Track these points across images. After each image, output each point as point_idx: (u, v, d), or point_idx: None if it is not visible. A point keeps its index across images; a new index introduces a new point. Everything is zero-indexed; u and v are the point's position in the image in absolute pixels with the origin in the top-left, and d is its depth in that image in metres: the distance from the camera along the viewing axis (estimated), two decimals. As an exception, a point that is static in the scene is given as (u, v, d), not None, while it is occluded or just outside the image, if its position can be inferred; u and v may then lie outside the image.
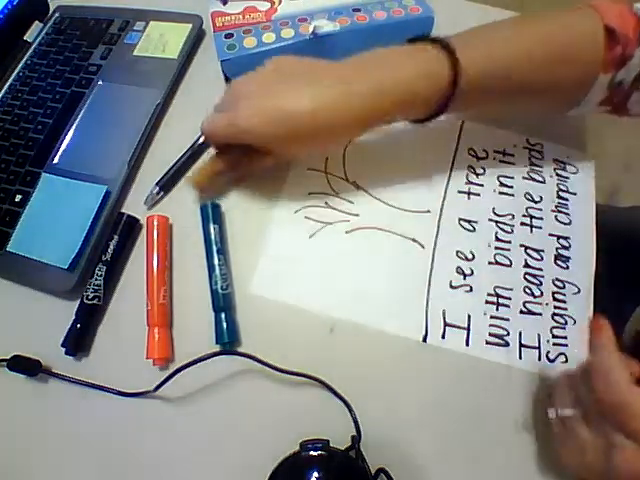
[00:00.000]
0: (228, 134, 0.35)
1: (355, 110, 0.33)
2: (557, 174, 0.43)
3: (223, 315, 0.36)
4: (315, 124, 0.32)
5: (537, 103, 0.39)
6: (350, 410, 0.34)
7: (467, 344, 0.36)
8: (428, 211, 0.41)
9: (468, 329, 0.37)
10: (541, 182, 0.43)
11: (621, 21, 0.34)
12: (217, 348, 0.35)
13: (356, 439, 0.32)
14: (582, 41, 0.35)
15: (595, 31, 0.34)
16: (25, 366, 0.36)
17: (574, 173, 0.43)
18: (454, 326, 0.37)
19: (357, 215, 0.41)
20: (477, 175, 0.43)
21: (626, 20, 0.34)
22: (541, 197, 0.42)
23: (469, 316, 0.37)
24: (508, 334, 0.36)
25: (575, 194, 0.42)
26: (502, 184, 0.42)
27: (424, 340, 0.36)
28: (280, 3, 0.45)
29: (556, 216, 0.41)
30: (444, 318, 0.37)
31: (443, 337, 0.37)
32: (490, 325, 0.37)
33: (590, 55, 0.35)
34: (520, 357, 0.36)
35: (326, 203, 0.41)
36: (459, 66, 0.32)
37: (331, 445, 0.32)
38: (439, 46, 0.33)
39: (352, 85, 0.33)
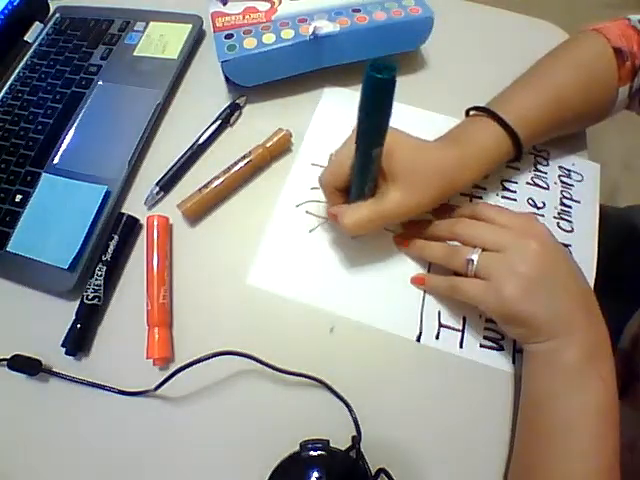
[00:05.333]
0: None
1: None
2: (562, 181, 0.43)
3: None
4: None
5: (576, 128, 0.43)
6: (350, 410, 0.34)
7: (461, 346, 0.36)
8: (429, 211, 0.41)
9: (462, 331, 0.37)
10: (545, 188, 0.42)
11: (625, 39, 0.39)
12: (217, 348, 0.35)
13: (356, 439, 0.32)
14: (598, 69, 0.39)
15: (606, 56, 0.39)
16: (25, 365, 0.36)
17: (579, 181, 0.43)
18: (449, 327, 0.37)
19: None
20: None
21: (628, 37, 0.39)
22: (544, 203, 0.41)
23: (464, 318, 0.37)
24: (503, 338, 0.36)
25: (579, 202, 0.42)
26: (505, 188, 0.42)
27: (418, 340, 0.36)
28: (280, 3, 0.45)
29: (558, 223, 0.41)
30: (439, 319, 0.37)
31: (437, 338, 0.36)
32: (485, 329, 0.37)
33: (608, 77, 0.39)
34: (514, 362, 0.36)
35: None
36: (517, 137, 0.37)
37: (331, 445, 0.32)
38: (498, 124, 0.37)
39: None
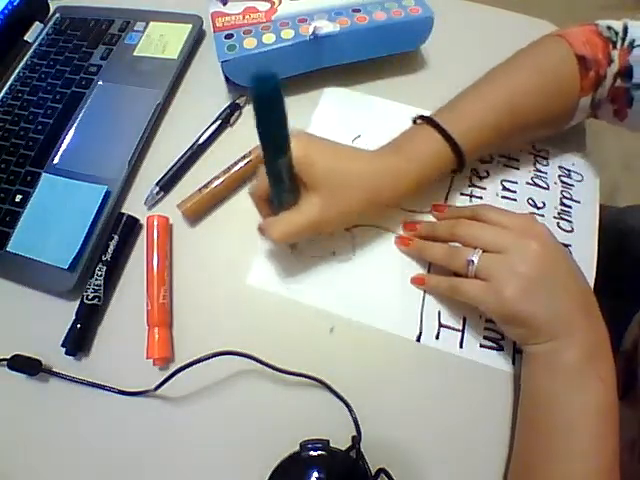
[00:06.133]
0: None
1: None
2: (562, 181, 0.43)
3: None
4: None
5: (531, 136, 0.42)
6: (350, 410, 0.34)
7: (461, 346, 0.36)
8: (429, 212, 0.41)
9: (463, 331, 0.37)
10: (545, 188, 0.42)
11: (589, 47, 0.37)
12: (217, 348, 0.35)
13: (356, 439, 0.32)
14: (559, 76, 0.38)
15: (569, 63, 0.37)
16: (25, 365, 0.36)
17: (579, 181, 0.43)
18: (449, 327, 0.37)
19: (357, 213, 0.41)
20: (480, 178, 0.43)
21: (593, 44, 0.37)
22: (544, 203, 0.41)
23: (464, 318, 0.37)
24: (503, 338, 0.36)
25: (579, 202, 0.42)
26: (505, 188, 0.42)
27: (418, 340, 0.36)
28: (280, 3, 0.45)
29: (558, 223, 0.41)
30: (439, 319, 0.37)
31: (437, 338, 0.36)
32: (485, 329, 0.37)
33: (569, 86, 0.38)
34: (514, 362, 0.36)
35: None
36: (458, 146, 0.36)
37: (331, 445, 0.32)
38: (440, 135, 0.36)
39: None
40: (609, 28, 0.38)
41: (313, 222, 0.33)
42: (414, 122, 0.39)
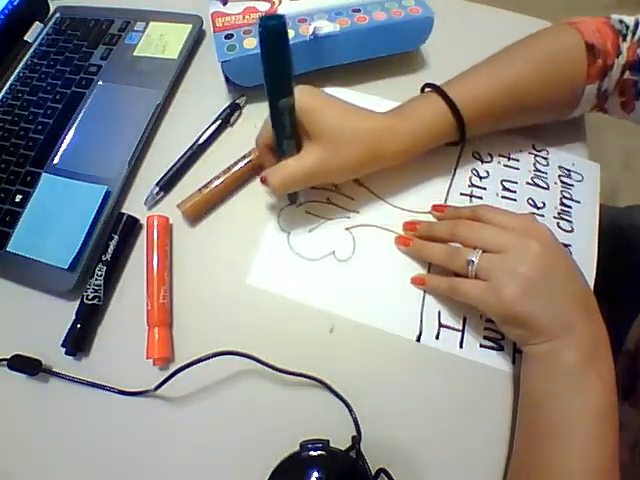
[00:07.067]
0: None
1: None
2: (562, 181, 0.43)
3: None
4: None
5: (535, 118, 0.42)
6: (350, 410, 0.34)
7: (461, 346, 0.36)
8: (429, 212, 0.41)
9: (462, 331, 0.37)
10: (545, 188, 0.42)
11: (599, 36, 0.37)
12: (217, 348, 0.35)
13: (356, 439, 0.32)
14: (566, 61, 0.38)
15: (577, 49, 0.38)
16: (26, 365, 0.36)
17: (579, 181, 0.43)
18: (449, 327, 0.37)
19: (357, 212, 0.41)
20: (480, 178, 0.43)
21: (603, 34, 0.38)
22: (544, 203, 0.41)
23: (464, 318, 0.37)
24: (503, 338, 0.36)
25: (579, 202, 0.42)
26: (505, 188, 0.42)
27: (418, 340, 0.36)
28: (280, 3, 0.45)
29: (558, 223, 0.41)
30: (439, 319, 0.37)
31: (437, 338, 0.36)
32: (485, 329, 0.37)
33: (575, 72, 0.38)
34: (514, 362, 0.36)
35: (327, 199, 0.41)
36: (459, 114, 0.37)
37: (331, 445, 0.32)
38: (443, 100, 0.37)
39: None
40: (621, 22, 0.38)
41: (312, 169, 0.35)
42: (422, 91, 0.41)
